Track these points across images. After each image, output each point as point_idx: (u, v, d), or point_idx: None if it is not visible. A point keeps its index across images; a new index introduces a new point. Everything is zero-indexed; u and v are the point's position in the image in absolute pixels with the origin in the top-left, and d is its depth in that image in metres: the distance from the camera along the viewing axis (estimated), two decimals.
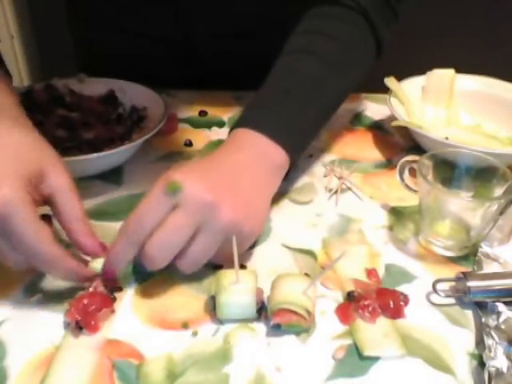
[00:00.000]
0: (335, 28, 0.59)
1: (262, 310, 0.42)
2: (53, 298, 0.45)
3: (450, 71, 0.72)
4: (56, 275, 0.43)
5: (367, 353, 0.40)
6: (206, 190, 0.42)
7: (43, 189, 0.43)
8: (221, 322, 0.43)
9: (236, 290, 0.41)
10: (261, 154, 0.49)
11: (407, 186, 0.53)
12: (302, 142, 0.55)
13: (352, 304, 0.44)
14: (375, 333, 0.42)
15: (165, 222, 0.41)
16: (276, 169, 0.50)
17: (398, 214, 0.55)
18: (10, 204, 0.38)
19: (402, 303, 0.44)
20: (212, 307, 0.42)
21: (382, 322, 0.43)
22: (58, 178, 0.43)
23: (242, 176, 0.47)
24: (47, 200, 0.43)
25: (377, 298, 0.44)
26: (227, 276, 0.42)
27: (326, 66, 0.56)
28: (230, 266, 0.42)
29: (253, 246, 0.50)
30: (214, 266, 0.47)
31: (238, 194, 0.45)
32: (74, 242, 0.44)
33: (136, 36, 0.76)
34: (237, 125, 0.52)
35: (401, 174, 0.53)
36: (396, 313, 0.44)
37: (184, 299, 0.45)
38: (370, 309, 0.43)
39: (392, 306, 0.44)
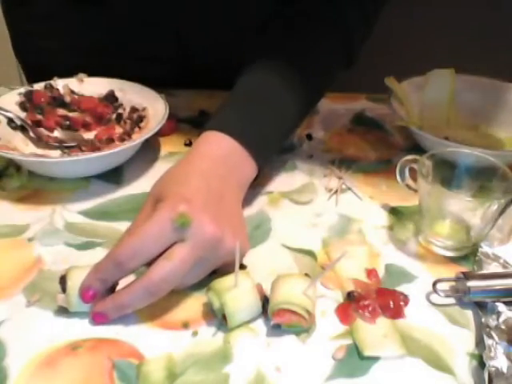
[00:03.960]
0: (306, 31, 0.60)
1: (266, 304, 0.42)
2: (53, 298, 0.44)
3: (450, 71, 0.72)
4: None
5: (367, 353, 0.40)
6: (212, 224, 0.42)
7: None
8: (223, 325, 0.43)
9: (240, 294, 0.41)
10: (236, 167, 0.50)
11: (407, 186, 0.53)
12: (269, 152, 0.55)
13: (352, 304, 0.44)
14: (375, 333, 0.42)
15: (171, 255, 0.41)
16: (245, 182, 0.52)
17: (398, 214, 0.55)
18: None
19: (402, 303, 0.44)
20: (222, 319, 0.42)
21: (382, 322, 0.43)
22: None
23: (226, 194, 0.47)
24: None
25: (377, 298, 0.44)
26: (223, 283, 0.42)
27: (296, 72, 0.57)
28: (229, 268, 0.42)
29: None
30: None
31: (232, 219, 0.46)
32: None
33: (136, 36, 0.76)
34: (209, 127, 0.52)
35: (401, 174, 0.53)
36: (396, 313, 0.44)
37: (184, 299, 0.45)
38: (370, 309, 0.43)
39: (392, 306, 0.44)
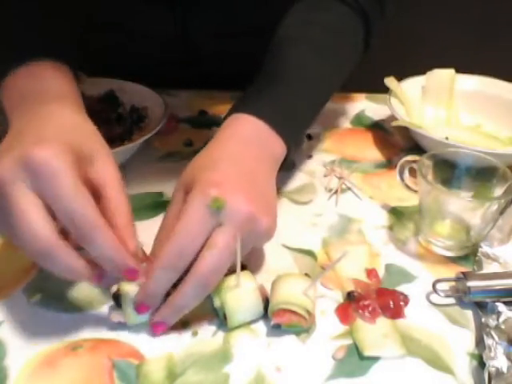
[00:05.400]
0: (327, 17, 0.59)
1: (268, 306, 0.42)
2: (53, 298, 0.45)
3: (450, 71, 0.72)
4: (94, 249, 0.37)
5: (367, 353, 0.40)
6: (247, 202, 0.41)
7: (90, 173, 0.40)
8: (224, 325, 0.43)
9: (241, 294, 0.41)
10: (266, 147, 0.49)
11: (407, 186, 0.53)
12: (297, 134, 0.55)
13: (352, 304, 0.44)
14: (375, 333, 0.42)
15: (214, 243, 0.39)
16: (276, 162, 0.50)
17: (398, 214, 0.55)
18: (54, 162, 0.36)
19: (402, 303, 0.44)
20: (222, 318, 0.42)
21: (382, 322, 0.43)
22: (107, 167, 0.41)
23: (258, 174, 0.46)
24: (93, 188, 0.40)
25: (377, 298, 0.44)
26: (225, 282, 0.42)
27: (319, 55, 0.57)
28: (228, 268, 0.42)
29: None
30: None
31: (265, 199, 0.45)
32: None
33: (135, 36, 0.76)
34: (236, 110, 0.51)
35: (401, 174, 0.53)
36: (396, 313, 0.44)
37: None
38: (370, 309, 0.43)
39: (392, 306, 0.44)
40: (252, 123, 0.49)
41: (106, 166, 0.41)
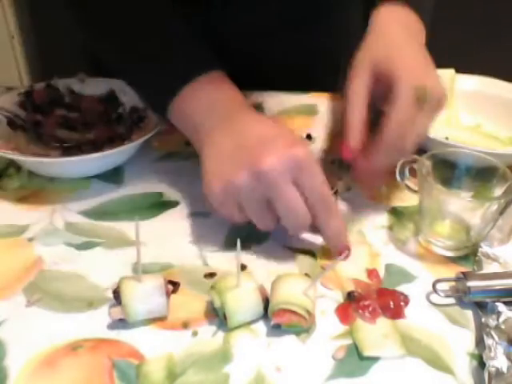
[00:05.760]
0: None
1: (268, 306, 0.42)
2: (53, 298, 0.45)
3: (450, 71, 0.72)
4: (328, 225, 0.46)
5: (367, 353, 0.40)
6: (438, 86, 0.50)
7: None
8: (224, 325, 0.43)
9: (241, 294, 0.41)
10: (419, 31, 0.57)
11: (407, 186, 0.53)
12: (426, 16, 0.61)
13: (352, 304, 0.44)
14: (375, 333, 0.42)
15: (421, 127, 0.49)
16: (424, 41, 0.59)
17: (398, 214, 0.55)
18: (311, 156, 0.45)
19: (402, 303, 0.44)
20: (223, 318, 0.42)
21: (382, 322, 0.43)
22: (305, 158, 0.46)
23: (425, 54, 0.54)
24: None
25: (377, 299, 0.44)
26: (226, 282, 0.42)
27: None
28: (228, 268, 0.42)
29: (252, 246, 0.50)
30: (210, 274, 0.47)
31: (436, 75, 0.53)
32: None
33: None
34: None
35: (401, 173, 0.53)
36: (396, 313, 0.44)
37: (184, 299, 0.45)
38: (371, 309, 0.43)
39: (392, 306, 0.44)
40: (402, 9, 0.56)
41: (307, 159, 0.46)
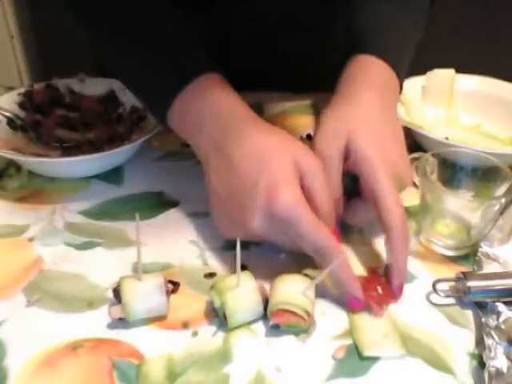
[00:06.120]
0: None
1: (267, 307, 0.42)
2: (53, 298, 0.45)
3: (450, 71, 0.72)
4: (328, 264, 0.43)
5: (367, 353, 0.40)
6: (408, 170, 0.50)
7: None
8: (224, 325, 0.43)
9: (241, 294, 0.41)
10: (394, 88, 0.55)
11: (413, 183, 0.53)
12: (404, 71, 0.59)
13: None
14: (375, 333, 0.42)
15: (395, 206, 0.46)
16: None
17: None
18: (293, 209, 0.42)
19: (389, 287, 0.45)
20: (223, 318, 0.42)
21: (382, 321, 0.43)
22: (310, 162, 0.45)
23: (398, 126, 0.53)
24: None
25: (364, 287, 0.44)
26: (225, 282, 0.42)
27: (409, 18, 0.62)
28: (228, 268, 0.42)
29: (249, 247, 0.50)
30: (210, 274, 0.47)
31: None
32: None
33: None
34: (358, 51, 0.55)
35: None
36: (386, 297, 0.44)
37: (184, 299, 0.45)
38: (375, 294, 0.44)
39: (380, 291, 0.44)
40: (379, 65, 0.54)
41: (308, 162, 0.45)
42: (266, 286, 0.43)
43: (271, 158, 0.44)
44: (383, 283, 0.45)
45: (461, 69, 0.72)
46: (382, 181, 0.46)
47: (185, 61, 0.53)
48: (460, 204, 0.48)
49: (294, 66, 0.79)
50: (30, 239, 0.51)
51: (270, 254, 0.50)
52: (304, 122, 0.71)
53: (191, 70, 0.51)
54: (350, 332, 0.42)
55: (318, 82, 0.79)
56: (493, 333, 0.41)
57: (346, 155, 0.49)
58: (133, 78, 0.56)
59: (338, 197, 0.48)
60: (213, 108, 0.49)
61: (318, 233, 0.42)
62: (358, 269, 0.48)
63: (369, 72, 0.54)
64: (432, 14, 0.68)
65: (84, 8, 0.57)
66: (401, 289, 0.45)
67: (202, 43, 0.53)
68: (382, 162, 0.47)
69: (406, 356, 0.40)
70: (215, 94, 0.50)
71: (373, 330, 0.42)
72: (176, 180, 0.60)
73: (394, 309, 0.44)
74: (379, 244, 0.51)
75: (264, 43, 0.76)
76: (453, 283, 0.46)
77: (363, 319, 0.43)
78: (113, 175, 0.60)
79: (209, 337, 0.42)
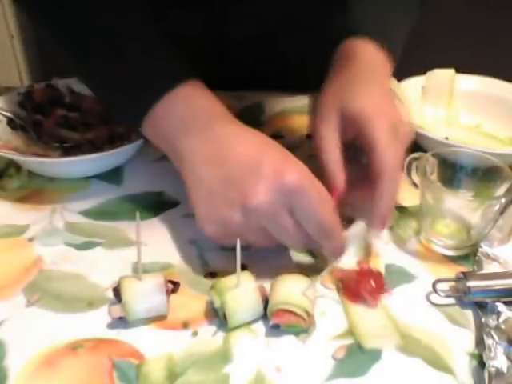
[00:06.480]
0: None
1: (267, 306, 0.42)
2: (53, 298, 0.45)
3: (450, 71, 0.72)
4: (329, 246, 0.45)
5: (367, 345, 0.41)
6: (404, 121, 0.50)
7: None
8: (224, 325, 0.42)
9: (241, 294, 0.41)
10: (386, 66, 0.56)
11: (413, 183, 0.53)
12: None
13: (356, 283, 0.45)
14: (373, 324, 0.43)
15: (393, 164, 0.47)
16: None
17: (399, 214, 0.55)
18: (304, 179, 0.43)
19: (381, 280, 0.45)
20: (222, 318, 0.42)
21: (379, 313, 0.44)
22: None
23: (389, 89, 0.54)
24: None
25: (357, 280, 0.45)
26: (226, 282, 0.42)
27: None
28: (228, 268, 0.42)
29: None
30: (210, 274, 0.47)
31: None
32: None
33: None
34: (368, 34, 0.55)
35: (408, 170, 0.53)
36: (378, 289, 0.45)
37: (184, 299, 0.45)
38: (370, 288, 0.44)
39: (373, 284, 0.45)
40: (373, 47, 0.55)
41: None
42: (266, 286, 0.43)
43: (270, 142, 0.45)
44: (375, 276, 0.46)
45: (461, 69, 0.72)
46: (379, 133, 0.46)
47: (160, 70, 0.50)
48: (460, 204, 0.48)
49: (294, 66, 0.79)
50: (30, 239, 0.51)
51: (269, 254, 0.50)
52: (304, 122, 0.71)
53: (166, 80, 0.49)
54: (349, 326, 0.42)
55: (318, 82, 0.79)
56: (493, 333, 0.41)
57: (344, 125, 0.49)
58: (104, 88, 0.53)
59: (339, 171, 0.48)
60: (190, 116, 0.47)
61: (324, 205, 0.43)
62: (350, 263, 0.48)
63: (358, 53, 0.55)
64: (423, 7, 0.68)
65: (40, 9, 0.53)
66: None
67: (177, 49, 0.50)
68: (378, 113, 0.47)
69: (405, 356, 0.40)
70: (192, 103, 0.48)
71: (370, 322, 0.43)
72: (176, 180, 0.59)
73: (394, 309, 0.44)
74: (379, 244, 0.51)
75: (264, 43, 0.76)
76: (453, 283, 0.46)
77: (360, 312, 0.44)
78: (113, 175, 0.60)
79: (209, 337, 0.42)
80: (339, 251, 0.45)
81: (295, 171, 0.42)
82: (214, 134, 0.46)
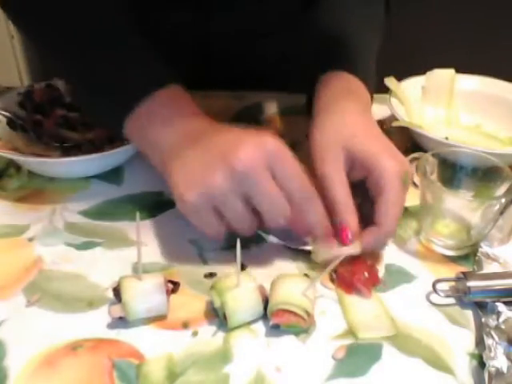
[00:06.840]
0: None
1: (267, 306, 0.42)
2: (53, 298, 0.45)
3: (450, 71, 0.72)
4: (310, 214, 0.45)
5: (361, 335, 0.41)
6: (408, 164, 0.49)
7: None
8: (224, 325, 0.43)
9: (241, 294, 0.41)
10: (366, 98, 0.57)
11: (413, 183, 0.54)
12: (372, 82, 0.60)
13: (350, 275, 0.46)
14: (367, 315, 0.43)
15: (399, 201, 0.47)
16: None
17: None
18: (280, 147, 0.44)
19: (374, 270, 0.46)
20: (222, 318, 0.42)
21: (372, 304, 0.44)
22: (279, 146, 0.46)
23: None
24: None
25: (352, 272, 0.46)
26: (226, 282, 0.42)
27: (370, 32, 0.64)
28: (228, 268, 0.42)
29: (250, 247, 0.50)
30: (210, 274, 0.47)
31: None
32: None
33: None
34: (343, 68, 0.57)
35: None
36: (372, 280, 0.45)
37: (184, 299, 0.45)
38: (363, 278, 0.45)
39: (367, 275, 0.45)
40: (350, 79, 0.56)
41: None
42: (266, 286, 0.43)
43: (248, 134, 0.45)
44: (368, 267, 0.46)
45: (461, 69, 0.72)
46: (389, 178, 0.46)
47: (141, 74, 0.51)
48: (460, 204, 0.48)
49: (294, 66, 0.78)
50: (30, 239, 0.51)
51: (270, 254, 0.50)
52: (304, 122, 0.70)
53: (147, 84, 0.50)
54: (343, 316, 0.43)
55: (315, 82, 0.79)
56: (493, 333, 0.41)
57: (350, 165, 0.48)
58: (86, 93, 0.54)
59: (351, 211, 0.47)
60: (171, 119, 0.48)
61: (274, 194, 0.43)
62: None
63: (343, 86, 0.56)
64: (389, 20, 0.69)
65: (33, 19, 0.53)
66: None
67: (158, 54, 0.51)
68: (388, 156, 0.47)
69: (405, 356, 0.40)
70: (173, 107, 0.49)
71: (364, 312, 0.43)
72: None
73: (394, 309, 0.44)
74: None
75: (264, 43, 0.76)
76: (453, 283, 0.46)
77: (354, 302, 0.45)
78: (113, 175, 0.60)
79: (209, 337, 0.42)
80: (320, 222, 0.45)
81: (275, 141, 0.44)
82: (193, 127, 0.48)
